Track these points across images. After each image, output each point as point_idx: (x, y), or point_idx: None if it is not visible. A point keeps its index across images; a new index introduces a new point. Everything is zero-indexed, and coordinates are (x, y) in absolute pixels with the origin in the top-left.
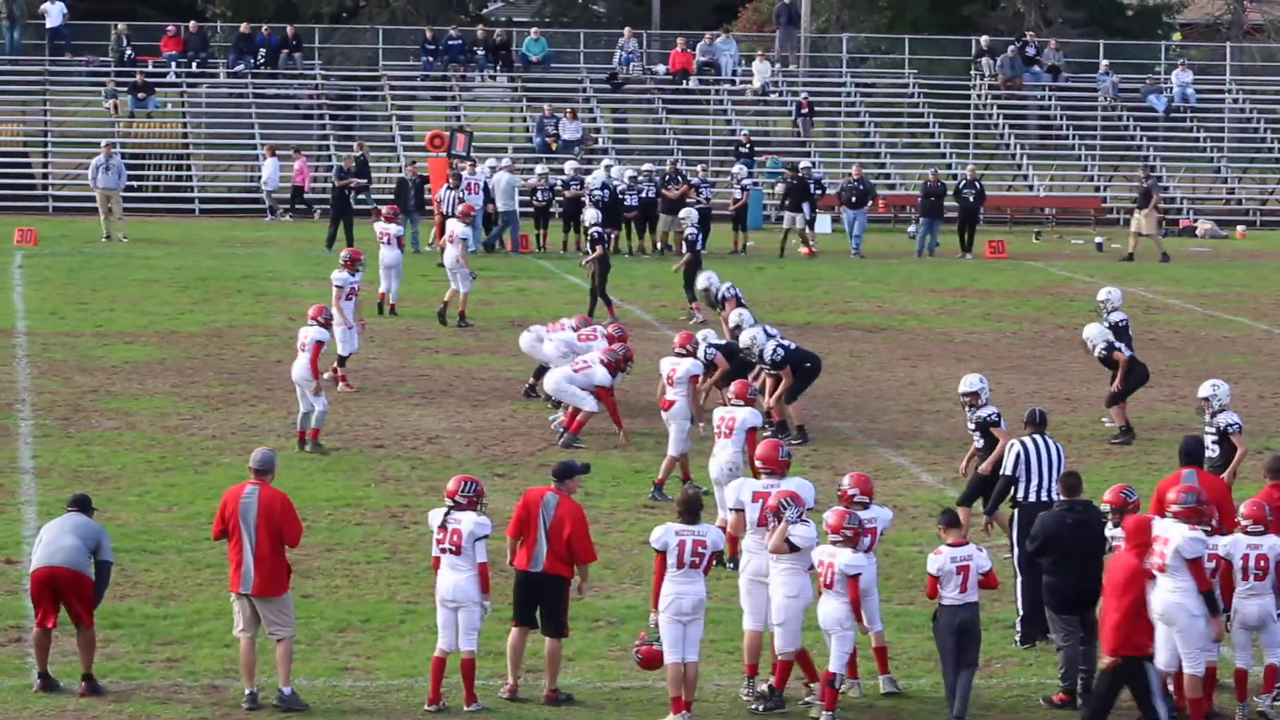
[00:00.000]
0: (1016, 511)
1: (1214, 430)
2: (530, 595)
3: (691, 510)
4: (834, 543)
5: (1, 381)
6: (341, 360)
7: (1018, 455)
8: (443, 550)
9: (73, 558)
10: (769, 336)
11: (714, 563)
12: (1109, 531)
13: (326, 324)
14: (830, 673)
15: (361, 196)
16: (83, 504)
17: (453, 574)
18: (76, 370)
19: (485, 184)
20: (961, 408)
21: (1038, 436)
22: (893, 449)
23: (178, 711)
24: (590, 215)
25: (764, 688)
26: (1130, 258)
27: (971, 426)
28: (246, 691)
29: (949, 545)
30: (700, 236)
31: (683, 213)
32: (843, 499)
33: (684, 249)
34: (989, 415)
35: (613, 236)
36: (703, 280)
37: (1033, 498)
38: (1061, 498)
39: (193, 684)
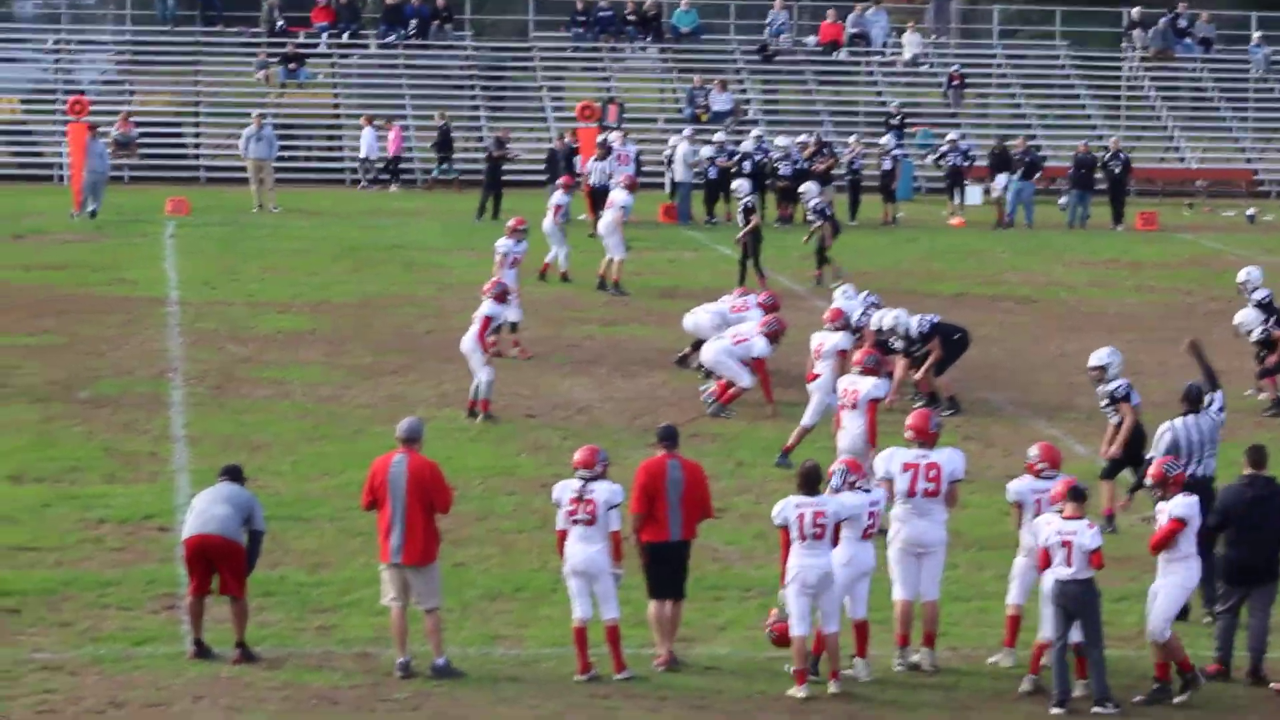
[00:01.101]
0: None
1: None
2: (665, 565)
3: (810, 482)
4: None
5: (154, 350)
6: (513, 327)
7: (1169, 443)
8: (574, 521)
9: (225, 526)
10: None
11: (838, 534)
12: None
13: (499, 298)
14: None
15: (443, 168)
16: (234, 474)
17: (585, 545)
18: (228, 339)
19: (637, 155)
20: (1092, 383)
21: (1192, 415)
22: (1045, 420)
23: (330, 679)
24: (741, 186)
25: (915, 658)
26: None
27: (1103, 403)
28: (399, 660)
29: (1062, 518)
30: (824, 207)
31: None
32: (1030, 470)
33: (811, 219)
34: (1116, 389)
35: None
36: (890, 319)
37: (1188, 476)
38: (1246, 471)
39: (345, 652)
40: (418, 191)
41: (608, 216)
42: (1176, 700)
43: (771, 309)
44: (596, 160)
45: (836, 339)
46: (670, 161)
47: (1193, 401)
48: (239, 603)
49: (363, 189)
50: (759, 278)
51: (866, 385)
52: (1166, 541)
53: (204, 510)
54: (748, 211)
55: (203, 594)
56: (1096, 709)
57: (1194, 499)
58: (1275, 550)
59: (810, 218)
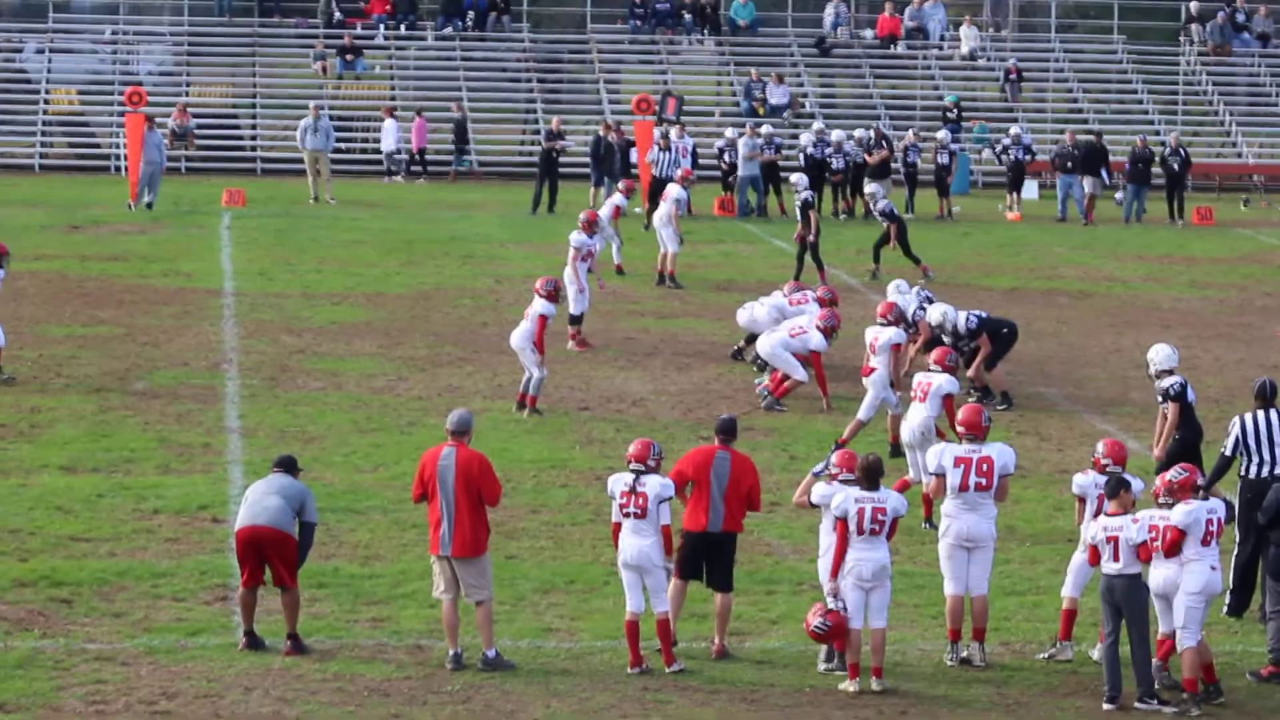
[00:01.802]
0: (1240, 486)
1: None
2: (701, 554)
3: (872, 477)
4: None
5: (209, 341)
6: (574, 320)
7: (1237, 437)
8: (626, 514)
9: (277, 518)
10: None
11: (895, 528)
12: None
13: (551, 296)
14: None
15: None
16: (288, 465)
17: (636, 539)
18: (283, 331)
19: (694, 148)
20: (1148, 379)
21: (1263, 411)
22: (1099, 415)
23: (382, 671)
24: (799, 181)
25: (965, 653)
26: None
27: (1159, 399)
28: (451, 653)
29: (1106, 514)
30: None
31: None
32: (1096, 466)
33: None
34: (1170, 386)
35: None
36: (937, 315)
37: (1255, 474)
38: None
39: (397, 644)
40: (444, 184)
41: (663, 209)
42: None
43: (829, 303)
44: (661, 150)
45: (890, 334)
46: (723, 153)
47: (1265, 398)
48: (291, 594)
49: (388, 182)
50: (818, 271)
51: (940, 380)
52: (1172, 550)
53: (256, 501)
54: (806, 207)
55: (254, 585)
56: (1139, 704)
57: (1197, 505)
58: None
59: (879, 219)
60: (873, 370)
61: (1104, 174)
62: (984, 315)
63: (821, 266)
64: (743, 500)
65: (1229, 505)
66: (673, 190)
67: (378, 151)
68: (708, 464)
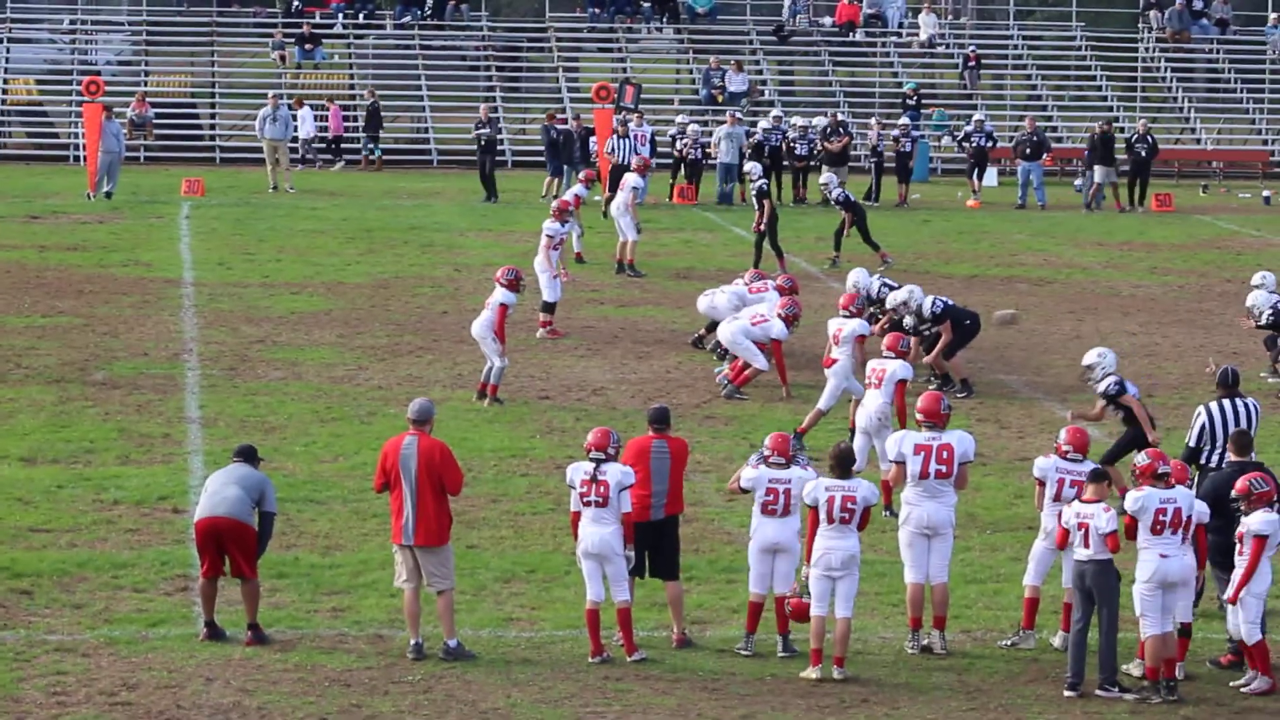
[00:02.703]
0: (1197, 476)
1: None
2: (646, 544)
3: (843, 465)
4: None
5: (169, 332)
6: (548, 307)
7: (1202, 426)
8: (587, 503)
9: (236, 508)
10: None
11: (867, 518)
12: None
13: (512, 285)
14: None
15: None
16: (248, 455)
17: (597, 527)
18: (243, 320)
19: (652, 136)
20: (1082, 381)
21: (1227, 400)
22: (1058, 402)
23: (343, 661)
24: (753, 169)
25: (925, 641)
26: None
27: (1101, 403)
28: (412, 642)
29: (1080, 500)
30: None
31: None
32: (1058, 453)
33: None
34: (1107, 388)
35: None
36: (903, 293)
37: (1217, 463)
38: (1232, 458)
39: (358, 634)
40: (362, 172)
41: (620, 198)
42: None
43: (789, 291)
44: (620, 138)
45: (854, 325)
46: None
47: (1227, 386)
48: (250, 584)
49: (301, 169)
50: (778, 259)
51: (894, 366)
52: (1128, 535)
53: (215, 492)
54: (761, 195)
55: (214, 576)
56: (1100, 691)
57: (1148, 492)
58: None
59: (835, 206)
60: (834, 361)
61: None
62: (949, 303)
63: (780, 255)
64: (681, 483)
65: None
66: (630, 179)
67: (337, 140)
68: (646, 455)
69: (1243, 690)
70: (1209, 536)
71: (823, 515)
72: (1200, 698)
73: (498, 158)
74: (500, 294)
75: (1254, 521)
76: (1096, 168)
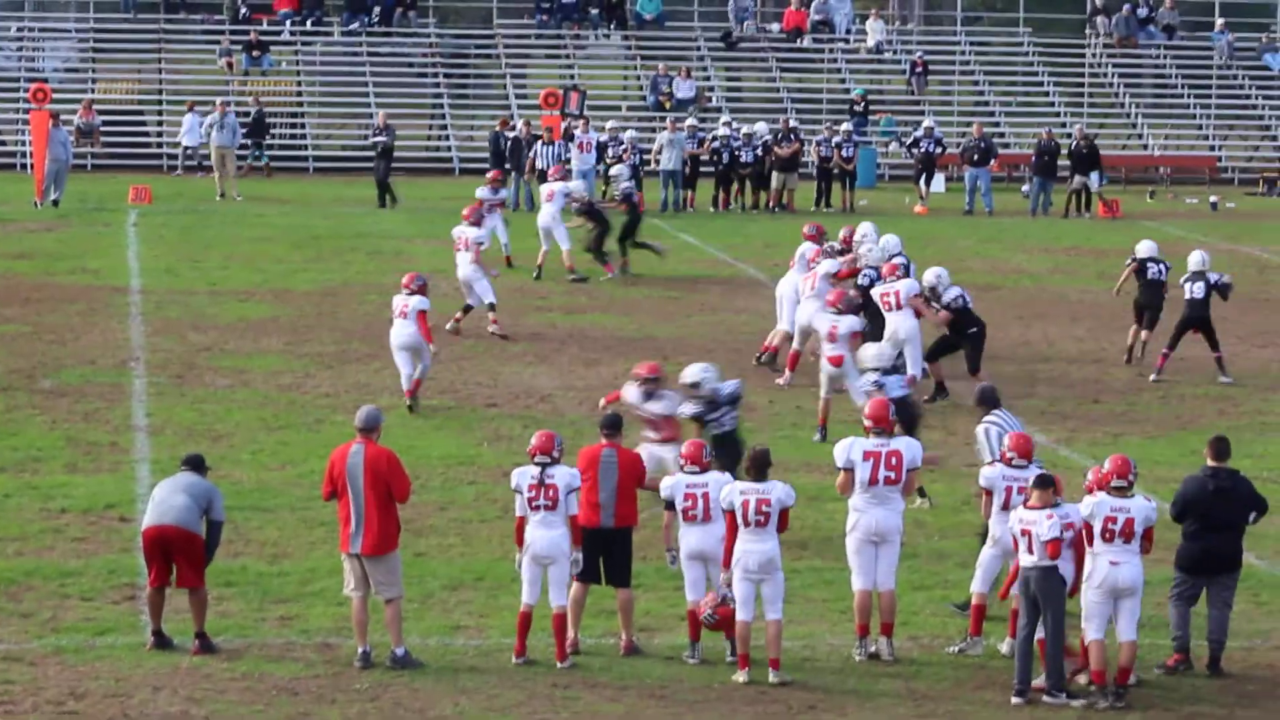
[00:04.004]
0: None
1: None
2: (599, 550)
3: (759, 468)
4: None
5: (116, 339)
6: (493, 306)
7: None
8: (536, 507)
9: (183, 517)
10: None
11: (785, 520)
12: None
13: (423, 290)
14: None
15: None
16: (196, 464)
17: (546, 530)
18: (190, 328)
19: (599, 142)
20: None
21: (994, 416)
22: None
23: (291, 669)
24: (621, 172)
25: (873, 648)
26: None
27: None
28: (360, 650)
29: (1024, 507)
30: (634, 191)
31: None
32: (1002, 460)
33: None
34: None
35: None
36: (931, 276)
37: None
38: (1210, 463)
39: (306, 642)
40: (244, 178)
41: (548, 210)
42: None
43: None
44: (545, 144)
45: (850, 322)
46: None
47: (989, 404)
48: (198, 593)
49: (177, 175)
50: (622, 257)
51: (847, 321)
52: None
53: (163, 500)
54: (626, 197)
55: (162, 585)
56: (1047, 698)
57: (1099, 499)
58: (1238, 541)
59: (616, 197)
60: (840, 358)
61: (1095, 176)
62: (969, 303)
63: (614, 257)
64: (633, 495)
65: None
66: (557, 187)
67: (284, 148)
68: (595, 462)
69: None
70: (1182, 542)
71: (739, 519)
72: (1148, 704)
73: (392, 163)
74: (416, 301)
75: (1083, 506)
76: (1078, 177)
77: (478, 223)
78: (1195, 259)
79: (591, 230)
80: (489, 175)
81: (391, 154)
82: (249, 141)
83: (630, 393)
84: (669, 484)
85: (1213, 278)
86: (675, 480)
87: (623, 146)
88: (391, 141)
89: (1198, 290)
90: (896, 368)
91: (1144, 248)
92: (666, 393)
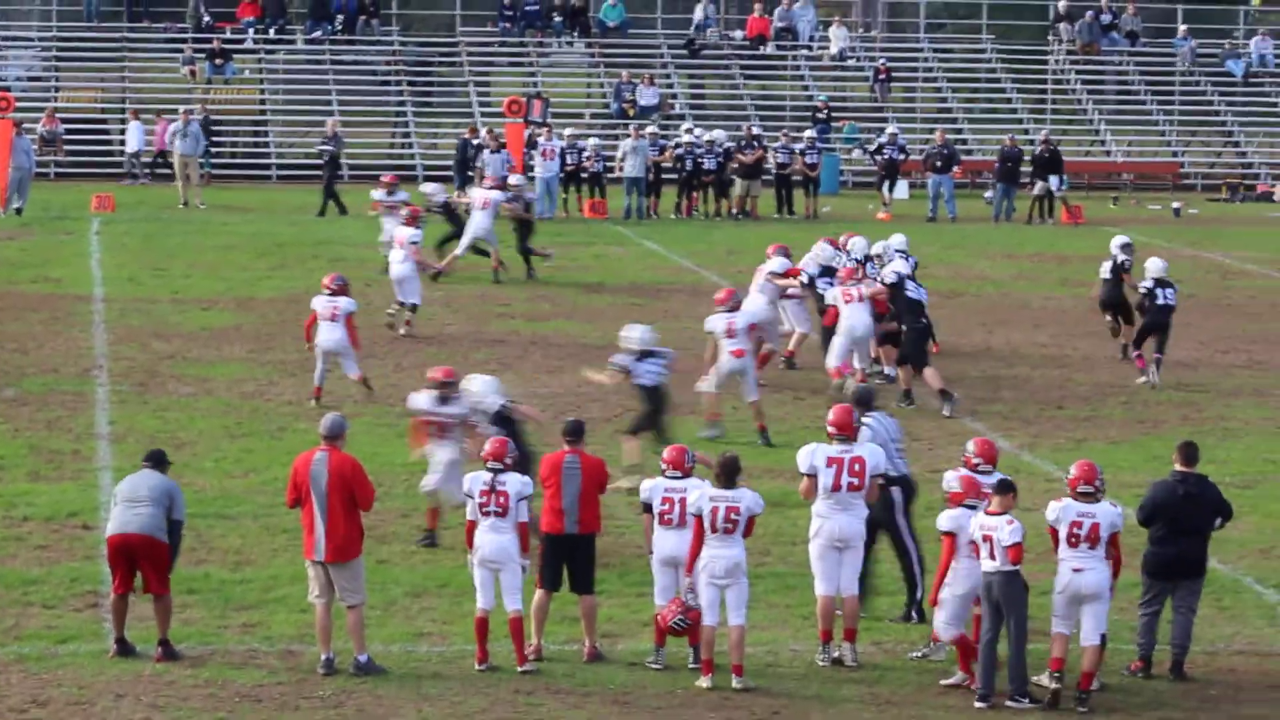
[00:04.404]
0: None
1: None
2: (562, 556)
3: (729, 475)
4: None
5: (79, 347)
6: (415, 308)
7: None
8: (486, 513)
9: (149, 524)
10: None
11: (751, 527)
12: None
13: (344, 290)
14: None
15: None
16: (158, 460)
17: (495, 535)
18: (153, 336)
19: (564, 150)
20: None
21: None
22: (968, 414)
23: (254, 676)
24: (433, 190)
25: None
26: None
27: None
28: (323, 657)
29: (985, 513)
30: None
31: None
32: (966, 465)
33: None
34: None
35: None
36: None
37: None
38: (1178, 467)
39: (269, 649)
40: (126, 185)
41: (480, 221)
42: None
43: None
44: (491, 153)
45: (747, 315)
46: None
47: (865, 404)
48: (162, 600)
49: (128, 184)
50: (431, 271)
51: (743, 316)
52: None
53: (128, 507)
54: (445, 209)
55: (125, 592)
56: (1011, 702)
57: (1065, 504)
58: (1204, 547)
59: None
60: (742, 351)
61: (1055, 180)
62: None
63: (501, 264)
64: (596, 501)
65: None
66: (493, 195)
67: (248, 155)
68: (558, 468)
69: (941, 683)
70: (1149, 546)
71: (707, 525)
72: (1111, 707)
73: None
74: (346, 303)
75: (942, 519)
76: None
77: (413, 223)
78: (1156, 265)
79: (515, 231)
80: (383, 179)
81: (338, 161)
82: (325, 150)
83: (420, 399)
84: (648, 486)
85: (1121, 257)
86: (654, 484)
87: (586, 154)
88: (338, 150)
89: (1169, 296)
90: (651, 353)
91: (1154, 267)
92: (460, 397)
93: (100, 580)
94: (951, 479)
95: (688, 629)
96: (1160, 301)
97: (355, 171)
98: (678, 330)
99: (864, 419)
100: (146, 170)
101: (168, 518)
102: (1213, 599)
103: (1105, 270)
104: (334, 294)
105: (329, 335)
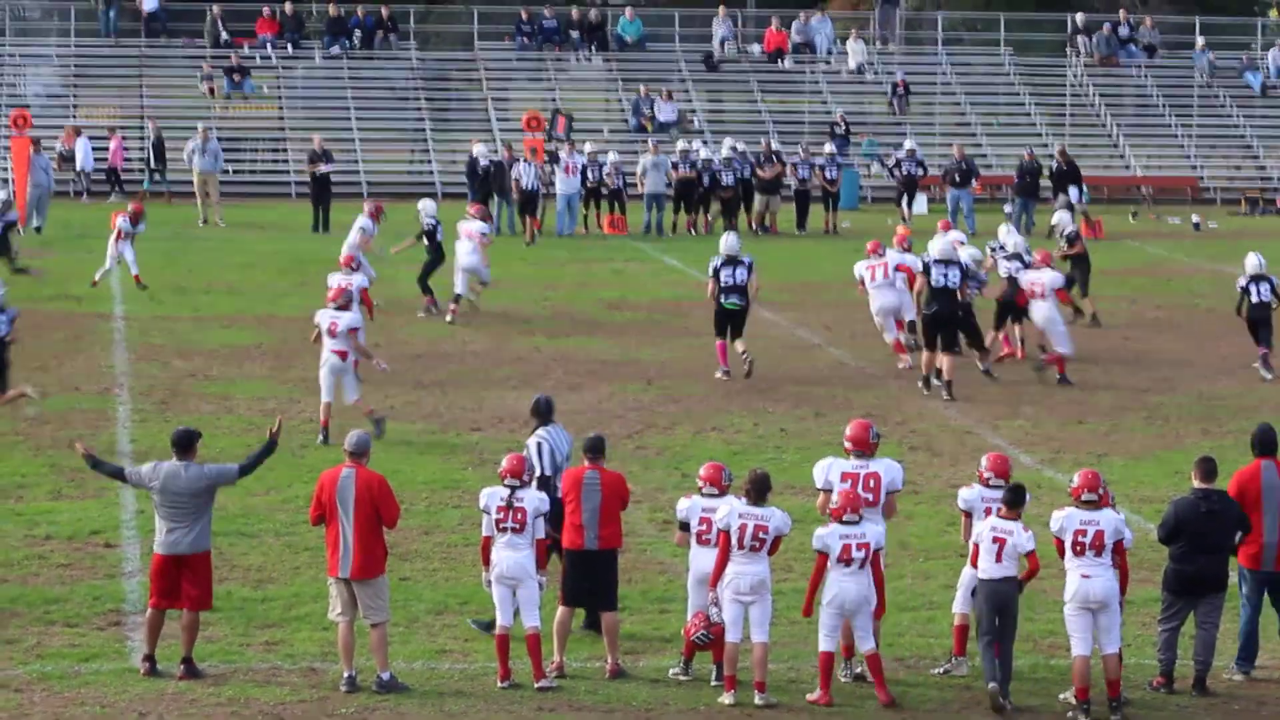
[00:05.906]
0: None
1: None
2: (585, 573)
3: (760, 491)
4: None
5: (100, 366)
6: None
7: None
8: (503, 529)
9: (198, 542)
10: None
11: (777, 545)
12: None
13: (348, 306)
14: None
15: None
16: (185, 445)
17: (512, 552)
18: (174, 354)
19: (585, 167)
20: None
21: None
22: (990, 429)
23: (276, 694)
24: (424, 207)
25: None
26: None
27: None
28: (345, 675)
29: (998, 515)
30: (437, 227)
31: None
32: (980, 480)
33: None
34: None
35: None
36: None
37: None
38: (1198, 484)
39: (291, 667)
40: (82, 203)
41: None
42: None
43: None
44: (526, 163)
45: (349, 318)
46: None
47: (541, 417)
48: (193, 617)
49: (83, 201)
50: (425, 295)
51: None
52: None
53: (173, 526)
54: (429, 233)
55: (163, 607)
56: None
57: (1068, 512)
58: (1225, 563)
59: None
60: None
61: (1075, 191)
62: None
63: (426, 292)
64: (617, 517)
65: None
66: (475, 227)
67: (266, 173)
68: (578, 484)
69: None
70: (1170, 564)
71: (734, 541)
72: None
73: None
74: (348, 319)
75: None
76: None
77: (485, 217)
78: (1252, 262)
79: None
80: (370, 208)
81: (329, 178)
82: (159, 166)
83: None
84: (685, 506)
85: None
86: (692, 502)
87: (606, 170)
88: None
89: (1263, 293)
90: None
91: (1250, 264)
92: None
93: (122, 598)
94: (971, 496)
95: (709, 644)
96: (1255, 299)
97: (374, 189)
98: (698, 347)
99: (540, 431)
100: (100, 189)
101: (222, 484)
102: (1234, 614)
103: (1263, 292)
104: (338, 308)
105: (332, 361)
